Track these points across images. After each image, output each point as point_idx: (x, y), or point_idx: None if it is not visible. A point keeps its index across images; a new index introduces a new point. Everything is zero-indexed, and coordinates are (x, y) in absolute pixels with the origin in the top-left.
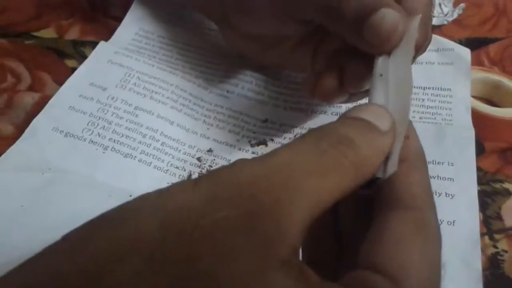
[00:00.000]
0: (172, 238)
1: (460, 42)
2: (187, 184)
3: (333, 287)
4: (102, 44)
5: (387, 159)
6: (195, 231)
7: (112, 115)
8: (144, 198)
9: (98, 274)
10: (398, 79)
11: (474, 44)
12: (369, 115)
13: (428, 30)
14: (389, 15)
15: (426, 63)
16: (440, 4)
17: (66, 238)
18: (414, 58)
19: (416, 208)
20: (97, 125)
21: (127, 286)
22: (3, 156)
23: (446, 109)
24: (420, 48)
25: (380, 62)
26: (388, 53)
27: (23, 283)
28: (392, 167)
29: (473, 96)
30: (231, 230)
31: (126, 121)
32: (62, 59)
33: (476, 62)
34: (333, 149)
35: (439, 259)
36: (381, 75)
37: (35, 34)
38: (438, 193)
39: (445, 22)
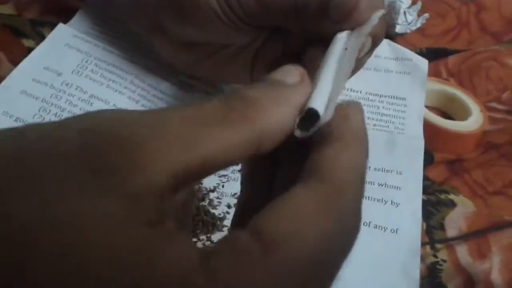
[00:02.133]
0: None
1: (421, 52)
2: None
3: (182, 241)
4: (60, 27)
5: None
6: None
7: (65, 102)
8: None
9: None
10: (351, 53)
11: (434, 54)
12: (276, 74)
13: (384, 27)
14: None
15: (385, 71)
16: (405, 13)
17: None
18: (371, 51)
19: (330, 183)
20: (49, 111)
21: None
22: None
23: (399, 118)
24: (378, 41)
25: (344, 37)
26: (351, 29)
27: None
28: (326, 114)
29: (428, 107)
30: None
31: (80, 109)
32: (19, 38)
33: (434, 72)
34: (220, 102)
35: (339, 250)
36: (346, 48)
37: None
38: (385, 200)
39: (408, 31)
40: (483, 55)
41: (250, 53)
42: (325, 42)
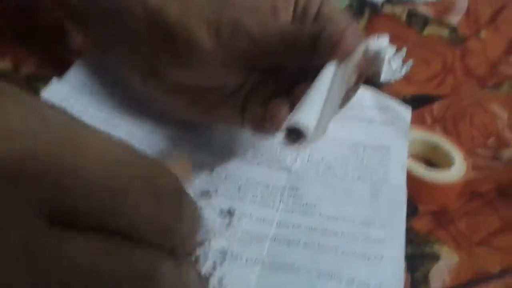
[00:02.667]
0: None
1: (405, 99)
2: None
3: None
4: (54, 83)
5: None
6: None
7: None
8: None
9: None
10: (340, 82)
11: (419, 101)
12: None
13: (370, 64)
14: (336, 27)
15: (369, 121)
16: (389, 60)
17: None
18: (357, 84)
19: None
20: None
21: None
22: None
23: (383, 168)
24: (363, 74)
25: (333, 65)
26: (340, 61)
27: None
28: (317, 132)
29: (413, 155)
30: None
31: None
32: None
33: (419, 120)
34: None
35: None
36: (335, 75)
37: None
38: (368, 256)
39: (393, 80)
40: (467, 101)
41: (241, 94)
42: (315, 77)
